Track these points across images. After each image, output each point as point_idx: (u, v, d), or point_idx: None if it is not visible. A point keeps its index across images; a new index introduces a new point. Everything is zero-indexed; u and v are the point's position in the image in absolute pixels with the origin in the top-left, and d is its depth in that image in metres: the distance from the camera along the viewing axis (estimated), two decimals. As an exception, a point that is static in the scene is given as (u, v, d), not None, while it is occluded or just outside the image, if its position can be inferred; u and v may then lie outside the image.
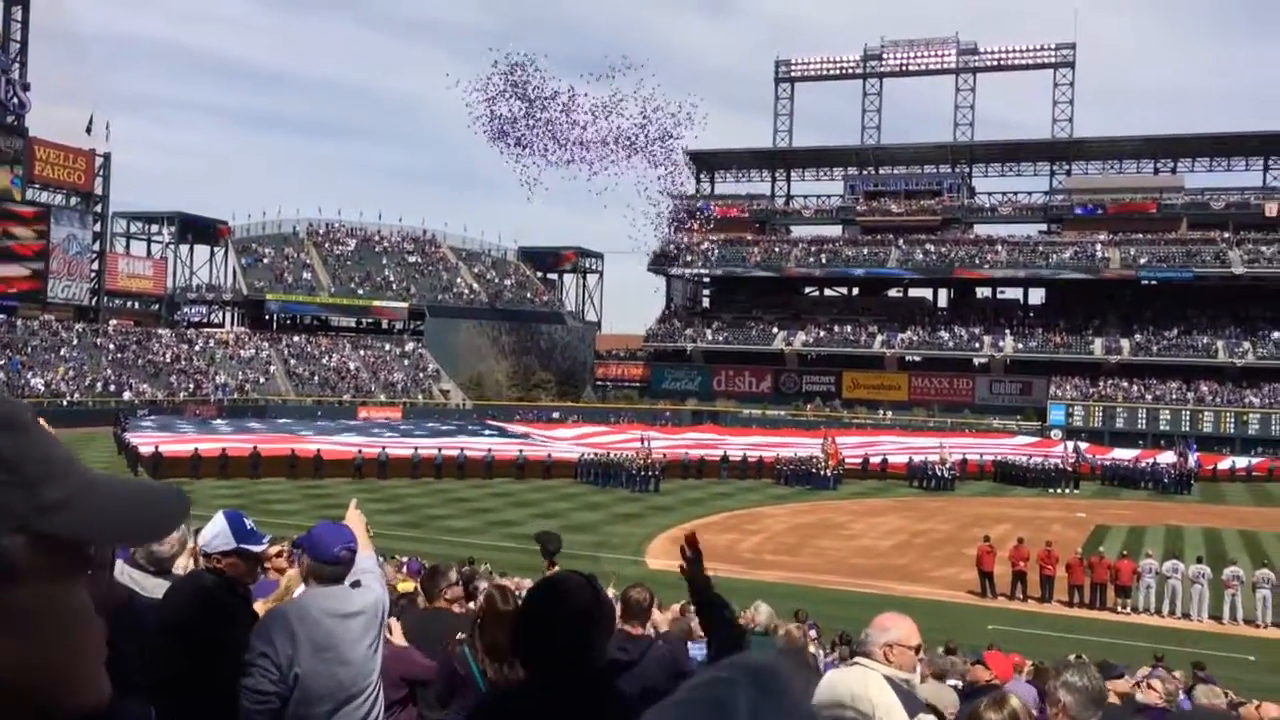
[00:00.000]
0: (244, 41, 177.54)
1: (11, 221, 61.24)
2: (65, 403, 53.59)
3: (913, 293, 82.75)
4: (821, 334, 77.07)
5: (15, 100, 62.48)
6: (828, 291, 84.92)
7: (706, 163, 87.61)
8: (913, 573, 26.19)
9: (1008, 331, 73.72)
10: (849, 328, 76.97)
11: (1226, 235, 71.44)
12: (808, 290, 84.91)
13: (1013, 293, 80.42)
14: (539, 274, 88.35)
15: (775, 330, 78.05)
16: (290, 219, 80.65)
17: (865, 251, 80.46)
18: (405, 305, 76.65)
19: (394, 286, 78.91)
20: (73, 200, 66.26)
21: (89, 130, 65.94)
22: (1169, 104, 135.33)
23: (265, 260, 76.78)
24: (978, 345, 73.22)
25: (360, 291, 77.35)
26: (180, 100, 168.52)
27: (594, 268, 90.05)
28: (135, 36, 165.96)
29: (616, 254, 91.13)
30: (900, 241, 79.79)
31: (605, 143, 67.83)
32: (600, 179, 68.92)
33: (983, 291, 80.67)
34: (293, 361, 69.50)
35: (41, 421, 0.85)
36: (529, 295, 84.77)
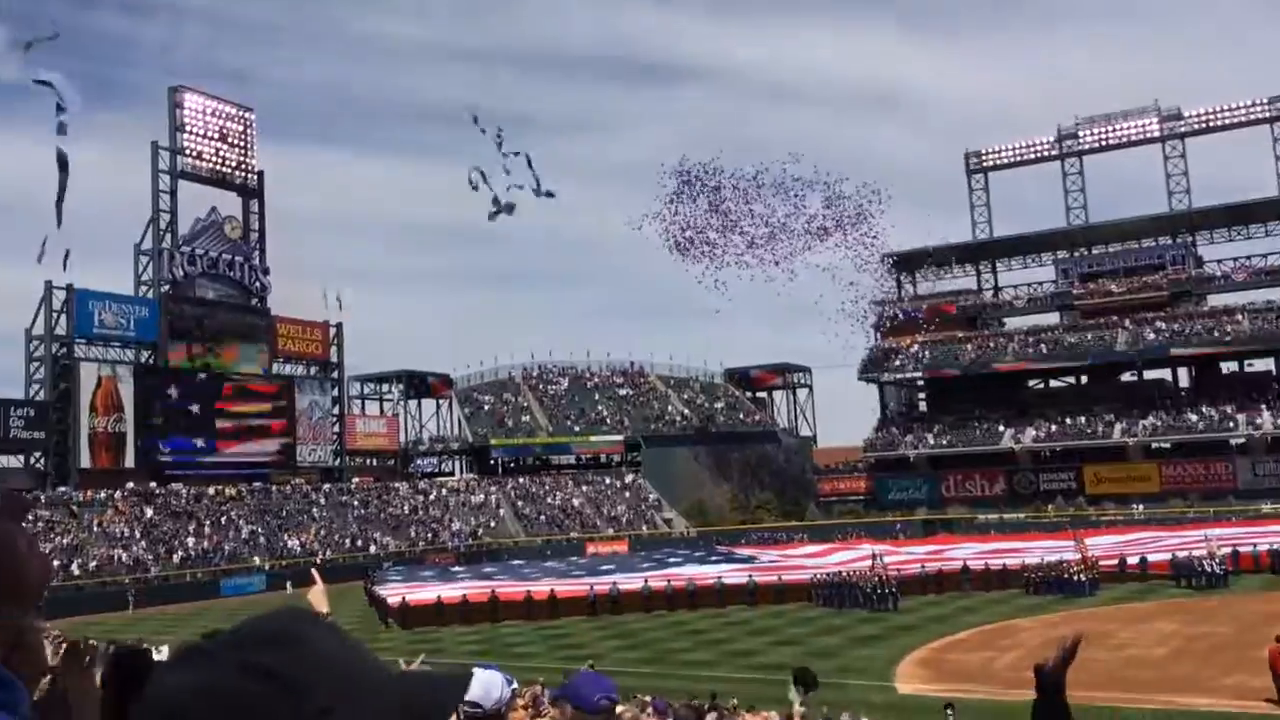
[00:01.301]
0: (451, 207, 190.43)
1: (261, 397, 66.69)
2: (319, 561, 56.84)
3: (1149, 375, 77.58)
4: (1053, 428, 73.08)
5: (258, 285, 68.65)
6: (1053, 383, 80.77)
7: (905, 263, 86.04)
8: (1196, 682, 23.62)
9: (1264, 407, 67.70)
10: (1083, 419, 72.68)
11: None
12: (1031, 383, 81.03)
13: (1262, 364, 74.07)
14: (748, 394, 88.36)
15: (1002, 428, 74.58)
16: (506, 365, 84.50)
17: (1089, 337, 76.46)
18: (620, 438, 78.08)
19: (608, 421, 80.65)
20: (312, 369, 71.61)
21: (338, 305, 71.75)
22: None
23: (486, 407, 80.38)
24: (1232, 425, 67.53)
25: (576, 429, 79.47)
26: (399, 267, 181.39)
27: (802, 382, 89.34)
28: (355, 215, 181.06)
29: (824, 367, 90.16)
30: (1126, 322, 75.47)
31: (794, 230, 67.00)
32: (795, 281, 68.02)
33: (1228, 366, 74.81)
34: (519, 503, 71.60)
35: (325, 614, 0.96)
36: (740, 416, 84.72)
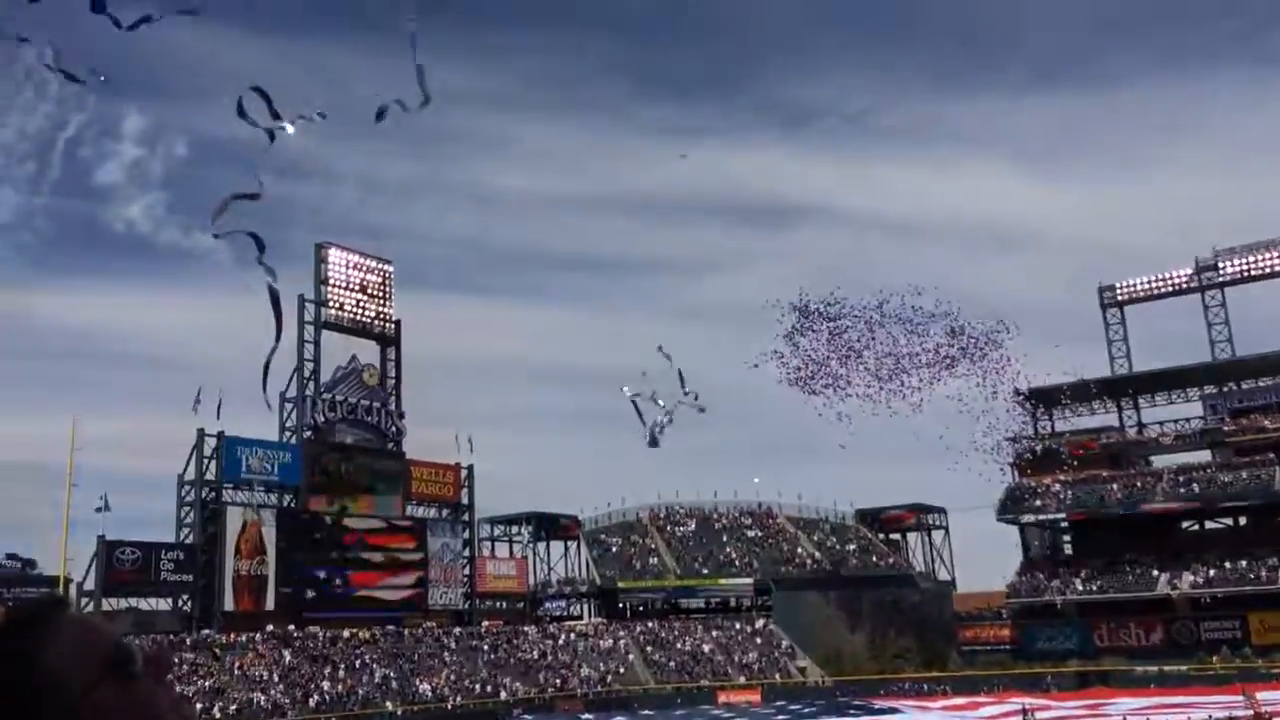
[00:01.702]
0: (578, 349, 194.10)
1: (396, 539, 67.73)
2: (449, 706, 56.35)
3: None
4: (1213, 573, 68.78)
5: (393, 429, 70.46)
6: (1208, 524, 76.37)
7: (1040, 399, 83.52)
8: None
9: None
10: (1244, 563, 68.27)
11: None
12: (1185, 525, 76.77)
13: None
14: (880, 535, 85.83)
15: (1156, 573, 70.51)
16: (633, 506, 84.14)
17: (1244, 475, 72.44)
18: (750, 581, 76.41)
19: (736, 563, 79.14)
20: (444, 512, 72.54)
21: (469, 448, 73.10)
22: None
23: (614, 549, 79.84)
24: None
25: (705, 571, 78.15)
26: (528, 409, 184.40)
27: (937, 523, 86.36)
28: (487, 359, 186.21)
29: (960, 509, 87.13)
30: (1287, 459, 71.40)
31: (919, 359, 64.73)
32: (924, 414, 65.48)
33: (1406, 506, 69.70)
34: (649, 649, 70.13)
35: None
36: (873, 558, 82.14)
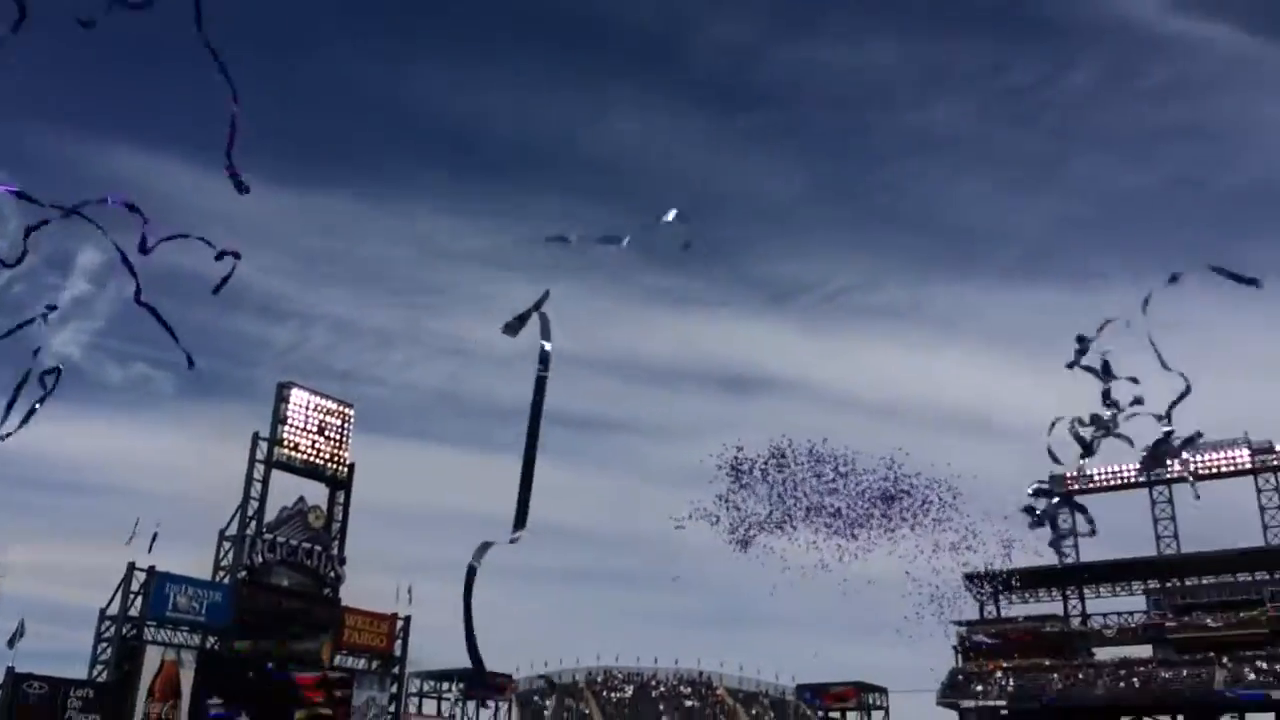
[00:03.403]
0: (534, 504, 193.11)
1: (320, 690, 66.27)
2: None
3: (1251, 716, 72.27)
4: (1151, 772, 67.79)
5: (332, 575, 69.91)
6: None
7: (988, 584, 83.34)
8: None
9: None
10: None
11: None
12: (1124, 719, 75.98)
13: (1377, 715, 68.47)
14: (820, 712, 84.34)
15: (1092, 768, 69.46)
16: (571, 668, 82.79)
17: (1185, 673, 72.34)
18: (682, 755, 74.74)
19: (671, 734, 77.65)
20: (374, 664, 71.21)
21: (408, 598, 72.13)
22: None
23: (546, 712, 78.27)
24: (1346, 783, 61.79)
25: (638, 742, 76.54)
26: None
27: (878, 703, 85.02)
28: (440, 509, 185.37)
29: (902, 691, 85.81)
30: (1225, 659, 71.33)
31: (868, 499, 63.88)
32: (870, 586, 64.70)
33: (1338, 715, 69.24)
34: (570, 820, 68.12)
35: None
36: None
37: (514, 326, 21.75)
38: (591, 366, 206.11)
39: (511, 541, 21.61)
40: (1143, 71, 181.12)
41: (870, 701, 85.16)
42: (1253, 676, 69.13)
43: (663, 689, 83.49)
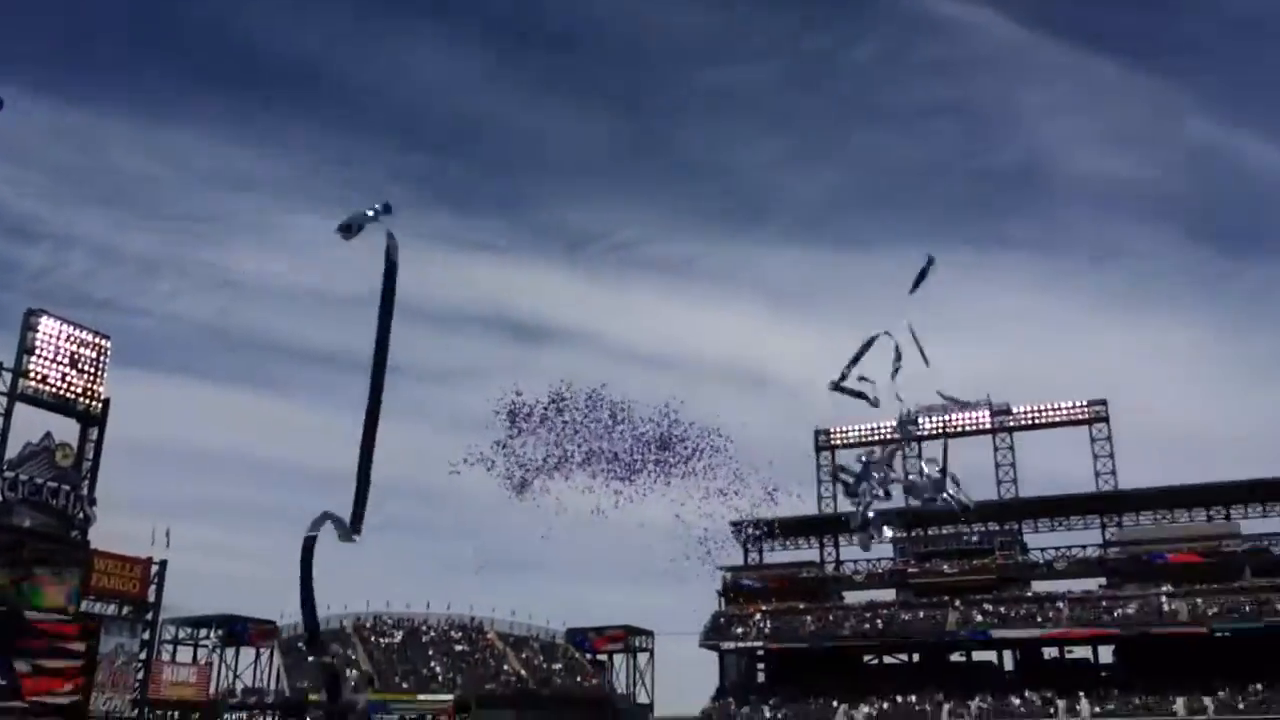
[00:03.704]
0: (309, 447, 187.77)
1: (63, 637, 62.16)
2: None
3: (977, 656, 79.37)
4: (885, 706, 73.40)
5: (80, 515, 65.50)
6: (888, 659, 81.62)
7: (753, 531, 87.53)
8: None
9: (1082, 694, 69.60)
10: (913, 697, 73.30)
11: (1294, 581, 68.82)
12: (867, 659, 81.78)
13: (1081, 652, 76.67)
14: (588, 655, 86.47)
15: (836, 704, 74.50)
16: (338, 614, 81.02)
17: (922, 615, 78.32)
18: (449, 698, 74.78)
19: (440, 678, 77.49)
20: (125, 610, 67.46)
21: (165, 542, 68.34)
22: (1212, 451, 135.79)
23: (310, 658, 76.25)
24: (1052, 710, 69.17)
25: (405, 685, 75.96)
26: (241, 502, 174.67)
27: (644, 646, 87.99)
28: (205, 449, 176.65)
29: (669, 633, 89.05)
30: (957, 603, 77.74)
31: (643, 444, 65.77)
32: (642, 529, 66.82)
33: (1049, 652, 77.06)
34: (332, 766, 67.07)
35: None
36: (578, 679, 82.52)
37: (350, 228, 20.60)
38: (370, 306, 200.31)
39: (342, 538, 20.74)
40: (917, 50, 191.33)
41: (637, 644, 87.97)
42: (979, 618, 75.71)
43: (433, 634, 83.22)
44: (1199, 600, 70.22)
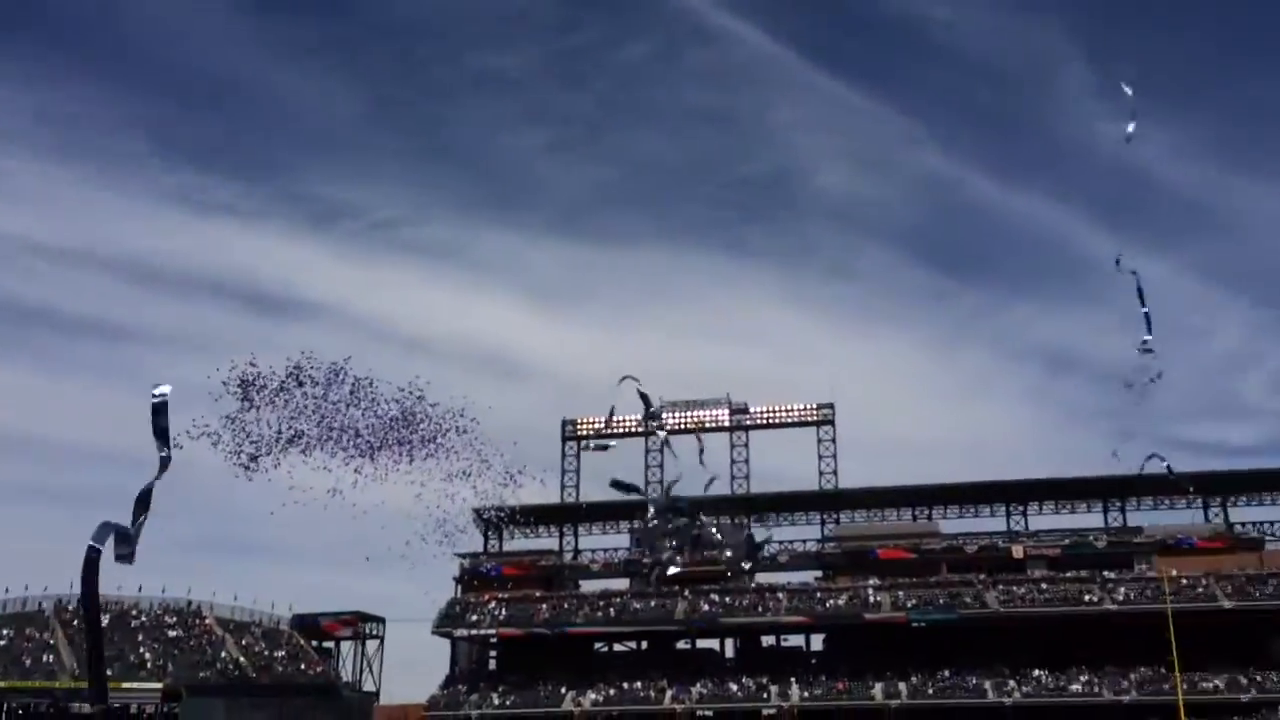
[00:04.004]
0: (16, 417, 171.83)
1: None
2: None
3: (701, 644, 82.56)
4: (612, 692, 75.00)
5: None
6: (618, 647, 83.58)
7: (495, 522, 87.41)
8: None
9: (793, 680, 73.80)
10: (639, 684, 75.35)
11: (982, 577, 75.80)
12: (597, 646, 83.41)
13: (796, 640, 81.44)
14: (314, 643, 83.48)
15: (564, 691, 75.47)
16: (37, 595, 74.56)
17: (653, 603, 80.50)
18: (159, 686, 70.26)
19: (149, 665, 72.64)
20: None
21: None
22: (923, 456, 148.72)
23: (2, 642, 69.86)
24: (766, 695, 72.87)
25: (109, 673, 70.65)
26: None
27: (374, 633, 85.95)
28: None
29: (401, 620, 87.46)
30: (687, 592, 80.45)
31: (386, 423, 63.97)
32: (380, 510, 65.15)
33: (768, 640, 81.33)
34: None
35: None
36: (302, 666, 79.54)
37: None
38: (93, 265, 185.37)
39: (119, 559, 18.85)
40: (686, 56, 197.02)
41: (367, 631, 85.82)
42: (706, 607, 78.72)
43: (144, 619, 77.91)
44: (901, 593, 76.00)
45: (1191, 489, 72.64)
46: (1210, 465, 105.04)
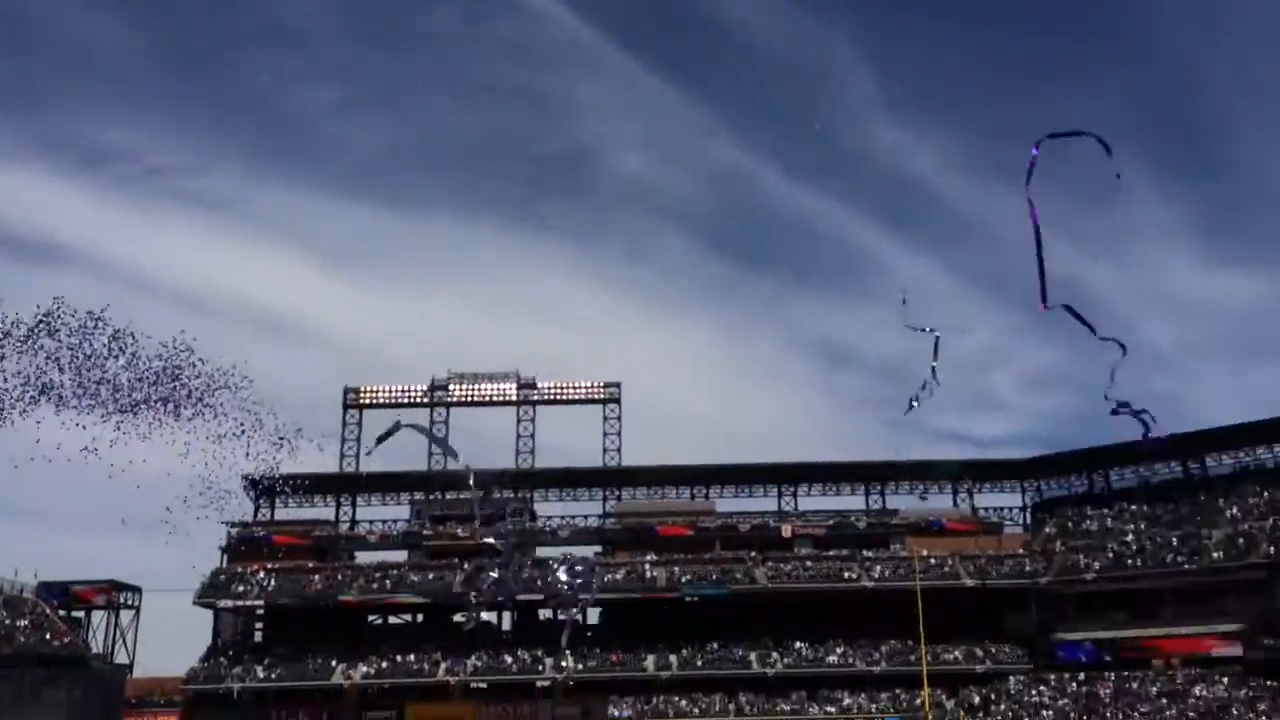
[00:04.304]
0: None
1: None
2: None
3: (481, 616, 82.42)
4: (384, 664, 73.96)
5: None
6: (392, 619, 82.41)
7: (267, 489, 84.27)
8: None
9: (569, 652, 74.77)
10: (412, 656, 74.61)
11: (753, 554, 79.22)
12: (371, 618, 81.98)
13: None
14: (63, 612, 78.01)
15: (335, 664, 73.84)
16: None
17: (430, 576, 79.79)
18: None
19: None
20: None
21: None
22: (706, 438, 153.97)
23: None
24: (541, 667, 73.67)
25: None
26: None
27: (130, 603, 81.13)
28: None
29: (160, 590, 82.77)
30: (465, 564, 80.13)
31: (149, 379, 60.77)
32: (139, 473, 61.66)
33: (545, 613, 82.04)
34: None
35: None
36: (48, 637, 74.23)
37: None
38: None
39: None
40: (493, 27, 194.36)
41: (122, 601, 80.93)
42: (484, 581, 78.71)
43: None
44: (677, 569, 78.42)
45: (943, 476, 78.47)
46: (961, 454, 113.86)
